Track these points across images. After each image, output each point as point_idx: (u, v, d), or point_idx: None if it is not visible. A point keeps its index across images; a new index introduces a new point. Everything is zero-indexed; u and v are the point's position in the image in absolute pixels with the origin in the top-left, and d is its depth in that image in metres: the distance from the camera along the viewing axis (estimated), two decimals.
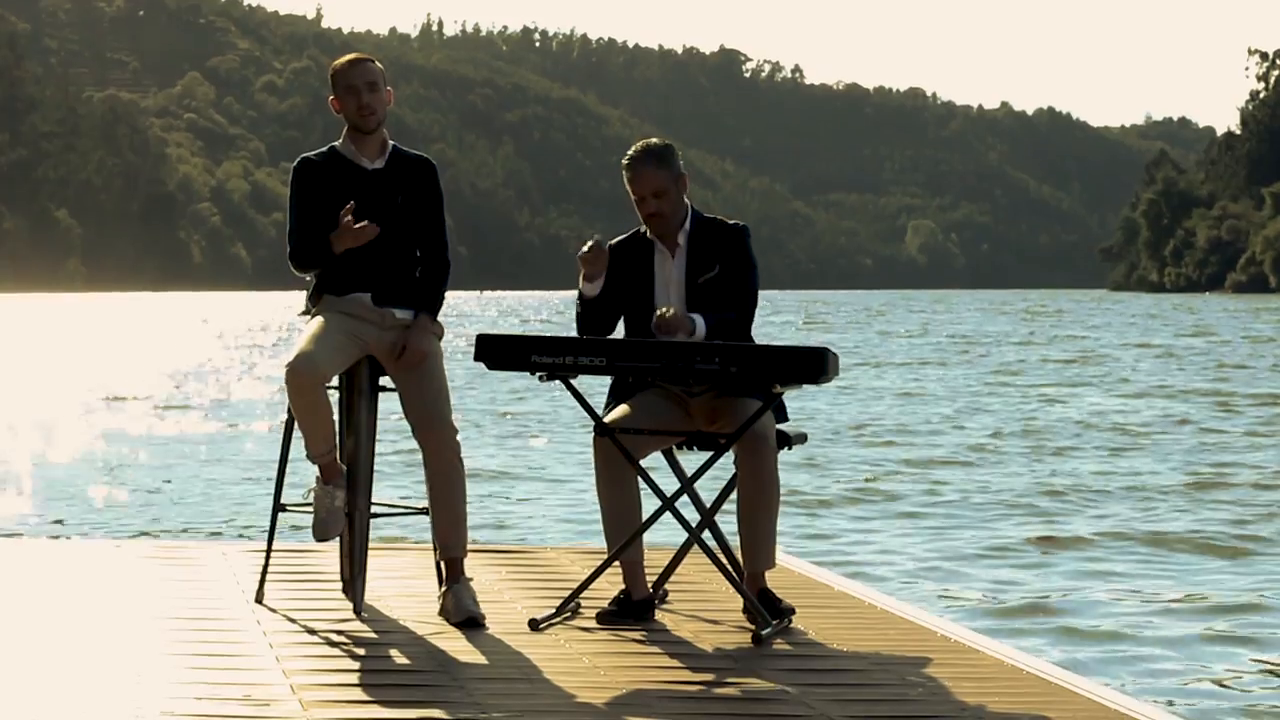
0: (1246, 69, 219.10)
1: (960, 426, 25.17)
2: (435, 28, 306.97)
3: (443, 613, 6.65)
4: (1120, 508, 16.16)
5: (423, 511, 6.83)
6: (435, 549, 6.74)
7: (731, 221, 6.78)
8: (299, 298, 6.98)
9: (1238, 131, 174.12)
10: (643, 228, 6.82)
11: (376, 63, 6.87)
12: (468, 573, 6.81)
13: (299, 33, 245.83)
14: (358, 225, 6.61)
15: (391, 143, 6.86)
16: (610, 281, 6.75)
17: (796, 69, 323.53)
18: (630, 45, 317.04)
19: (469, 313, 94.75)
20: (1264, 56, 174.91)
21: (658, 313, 6.57)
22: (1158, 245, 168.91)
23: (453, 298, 6.76)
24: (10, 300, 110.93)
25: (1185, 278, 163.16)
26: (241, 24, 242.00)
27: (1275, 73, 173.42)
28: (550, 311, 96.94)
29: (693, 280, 6.71)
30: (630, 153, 6.78)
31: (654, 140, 6.84)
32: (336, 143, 6.90)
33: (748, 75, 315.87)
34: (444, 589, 6.68)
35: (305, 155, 6.92)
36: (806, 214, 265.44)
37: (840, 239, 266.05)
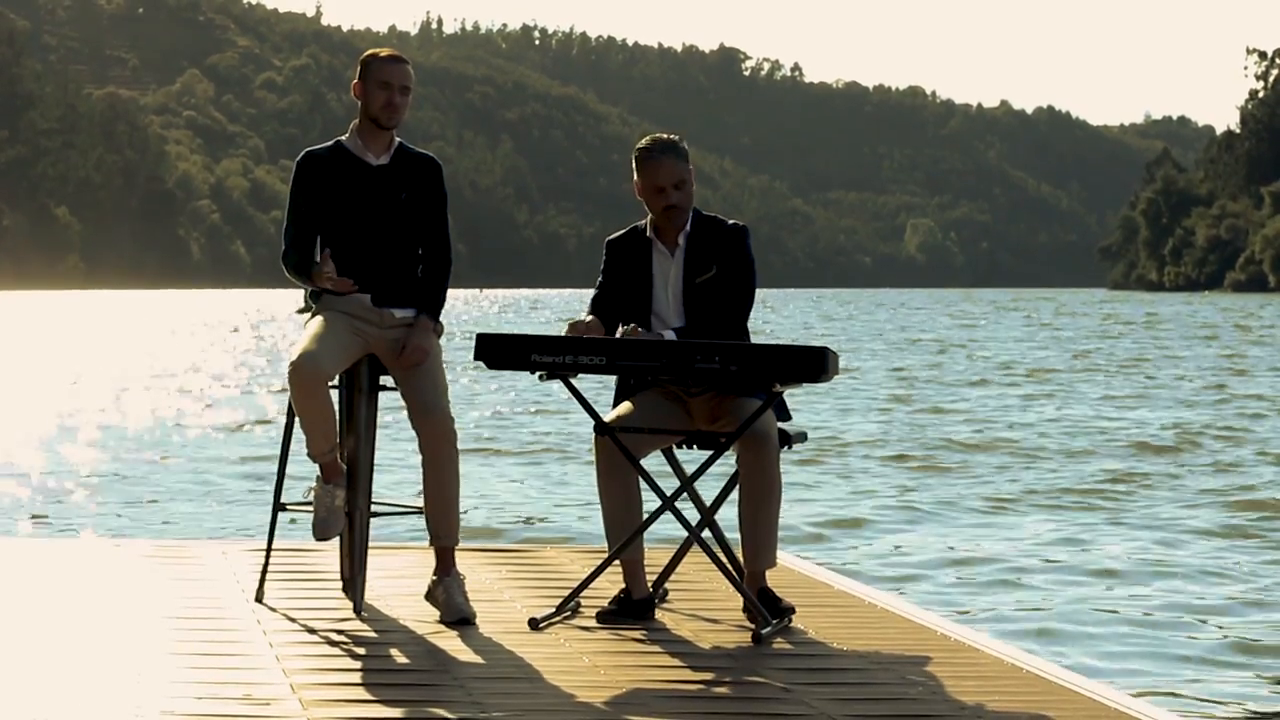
0: (1245, 68, 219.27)
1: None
2: (434, 25, 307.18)
3: (429, 598, 6.69)
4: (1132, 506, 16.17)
5: (421, 511, 6.82)
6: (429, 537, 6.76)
7: (731, 221, 6.75)
8: (298, 296, 6.98)
9: (1237, 130, 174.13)
10: (642, 224, 6.80)
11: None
12: (465, 570, 6.82)
13: (298, 30, 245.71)
14: (338, 279, 6.60)
15: (398, 140, 6.86)
16: (609, 279, 6.75)
17: (796, 67, 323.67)
18: (630, 43, 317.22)
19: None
20: (1263, 56, 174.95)
21: (622, 329, 6.58)
22: (1157, 244, 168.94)
23: (451, 296, 6.67)
24: (9, 297, 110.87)
25: (1184, 277, 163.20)
26: (241, 21, 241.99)
27: (1274, 72, 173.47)
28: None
29: (690, 280, 6.70)
30: (645, 144, 6.72)
31: (663, 134, 6.80)
32: (343, 137, 6.89)
33: (747, 74, 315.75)
34: (434, 578, 6.70)
35: (309, 149, 6.91)
36: (806, 212, 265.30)
37: (839, 237, 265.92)
